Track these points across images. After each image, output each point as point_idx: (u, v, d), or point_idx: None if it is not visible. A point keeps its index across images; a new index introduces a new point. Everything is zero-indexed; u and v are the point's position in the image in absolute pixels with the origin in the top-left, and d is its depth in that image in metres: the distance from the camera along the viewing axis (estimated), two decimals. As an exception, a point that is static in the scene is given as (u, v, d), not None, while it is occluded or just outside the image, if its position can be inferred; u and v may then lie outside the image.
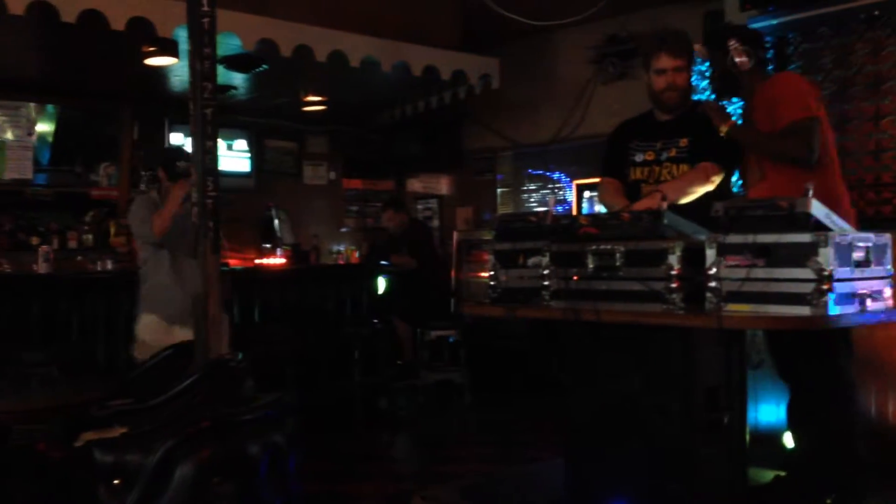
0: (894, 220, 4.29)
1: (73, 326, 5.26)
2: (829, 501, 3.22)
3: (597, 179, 7.14)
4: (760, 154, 3.42)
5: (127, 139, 7.46)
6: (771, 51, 3.74)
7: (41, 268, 5.74)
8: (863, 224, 3.44)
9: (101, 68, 6.42)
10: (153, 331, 4.47)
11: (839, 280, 2.54)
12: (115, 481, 2.39)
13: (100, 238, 7.18)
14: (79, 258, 6.67)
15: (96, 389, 3.45)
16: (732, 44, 3.45)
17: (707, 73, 3.77)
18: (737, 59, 3.43)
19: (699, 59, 4.06)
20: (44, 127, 7.17)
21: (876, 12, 4.38)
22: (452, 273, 7.21)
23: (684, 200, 3.29)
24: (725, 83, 3.56)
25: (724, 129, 3.35)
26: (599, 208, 7.23)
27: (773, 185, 3.31)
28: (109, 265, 6.31)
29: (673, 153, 3.49)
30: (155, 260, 4.56)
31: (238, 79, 6.64)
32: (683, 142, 3.47)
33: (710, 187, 3.35)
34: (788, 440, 3.60)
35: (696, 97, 3.98)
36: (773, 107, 3.34)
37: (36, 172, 7.05)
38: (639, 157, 3.57)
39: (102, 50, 5.78)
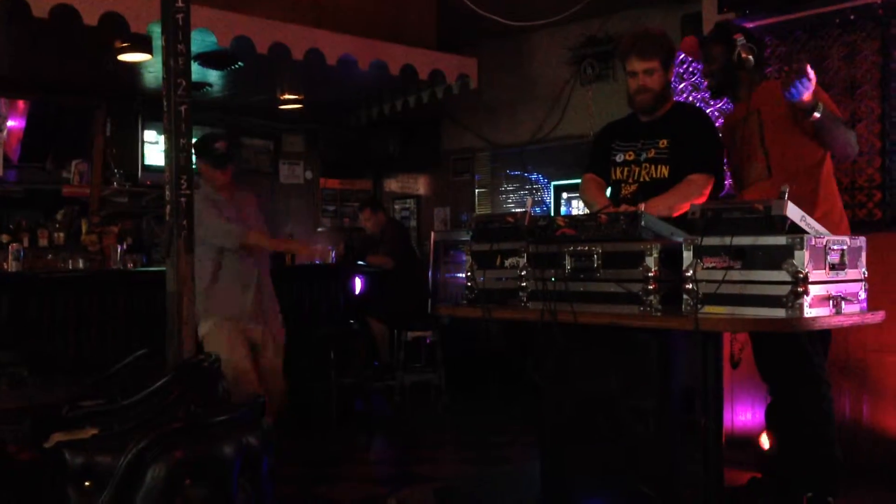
0: (869, 223, 4.32)
1: (44, 326, 5.18)
2: (809, 496, 3.24)
3: (575, 181, 7.20)
4: (824, 141, 3.35)
5: (99, 136, 7.37)
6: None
7: (11, 266, 5.66)
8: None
9: (74, 64, 6.34)
10: (227, 330, 4.37)
11: (814, 283, 2.55)
12: (86, 483, 2.36)
13: (71, 236, 7.09)
14: (49, 256, 6.58)
15: (67, 390, 3.40)
16: (740, 40, 3.43)
17: (704, 69, 3.70)
18: (744, 56, 3.42)
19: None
20: (14, 123, 7.07)
21: (851, 17, 4.41)
22: (429, 273, 7.24)
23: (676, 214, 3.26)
24: (725, 79, 3.54)
25: (819, 109, 3.21)
26: (579, 205, 7.27)
27: (781, 182, 3.28)
28: (81, 264, 6.24)
29: (652, 154, 3.49)
30: (211, 260, 4.40)
31: (213, 76, 6.59)
32: (663, 143, 3.48)
33: (702, 200, 3.32)
34: (765, 441, 3.62)
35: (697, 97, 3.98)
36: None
37: (6, 169, 6.94)
38: (619, 158, 3.58)
39: (75, 45, 5.71)
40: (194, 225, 4.21)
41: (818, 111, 3.20)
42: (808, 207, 3.18)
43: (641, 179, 3.48)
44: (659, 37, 3.55)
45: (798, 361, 3.27)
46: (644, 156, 3.50)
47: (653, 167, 3.46)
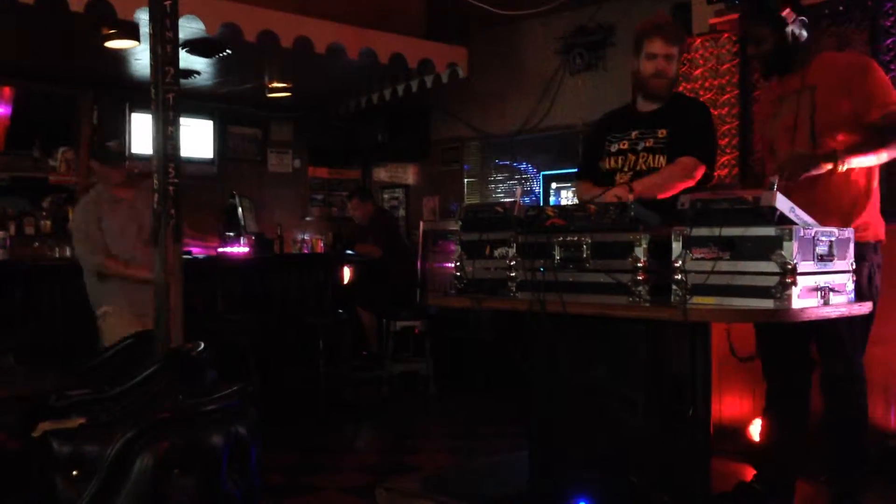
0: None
1: (30, 314, 5.14)
2: (836, 492, 3.22)
3: (564, 171, 7.21)
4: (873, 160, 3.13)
5: (86, 124, 7.32)
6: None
7: (-3, 254, 5.62)
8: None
9: (60, 51, 6.28)
10: (127, 324, 4.28)
11: (802, 273, 2.56)
12: (74, 472, 2.35)
13: (58, 224, 7.04)
14: (36, 244, 6.55)
15: (54, 379, 3.37)
16: (790, 14, 3.19)
17: (749, 50, 3.43)
18: (796, 31, 3.19)
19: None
20: (0, 110, 7.00)
21: (841, 7, 4.41)
22: (418, 263, 7.24)
23: (662, 196, 3.24)
24: (779, 59, 3.28)
25: (840, 166, 3.01)
26: (569, 195, 7.27)
27: (829, 180, 3.13)
28: (68, 252, 6.20)
29: (650, 143, 3.45)
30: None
31: (201, 63, 6.54)
32: (662, 132, 3.44)
33: (691, 183, 3.30)
34: (754, 431, 3.61)
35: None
36: (866, 94, 3.11)
37: (-8, 156, 6.90)
38: (614, 147, 3.53)
39: (61, 32, 5.66)
40: (79, 241, 4.35)
41: (840, 164, 3.01)
42: (847, 217, 3.08)
43: (637, 168, 3.44)
44: (679, 27, 3.52)
45: (838, 356, 3.17)
46: (641, 145, 3.46)
47: (650, 156, 3.43)
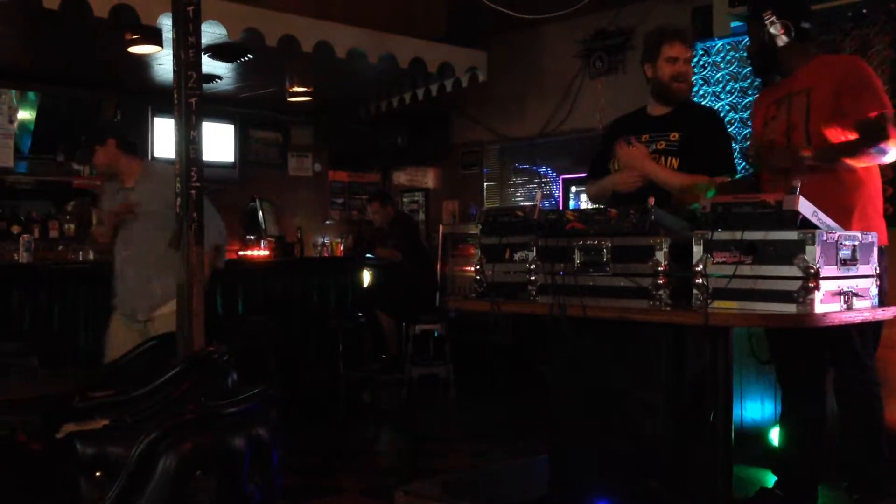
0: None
1: (54, 316, 5.20)
2: (856, 497, 3.20)
3: (584, 175, 7.19)
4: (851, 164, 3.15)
5: (109, 128, 7.38)
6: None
7: (22, 257, 5.69)
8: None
9: (84, 56, 6.36)
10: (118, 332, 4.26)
11: (826, 278, 2.54)
12: (97, 473, 2.37)
13: (81, 228, 7.12)
14: (60, 248, 6.61)
15: (77, 380, 3.41)
16: (769, 17, 3.20)
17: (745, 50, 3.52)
18: (773, 33, 3.21)
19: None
20: (25, 114, 7.09)
21: (864, 10, 4.38)
22: (438, 267, 7.25)
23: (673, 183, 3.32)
24: (764, 59, 3.31)
25: (807, 161, 3.05)
26: (586, 204, 7.24)
27: (825, 182, 3.11)
28: (91, 255, 6.26)
29: (662, 146, 3.45)
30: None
31: (223, 68, 6.59)
32: (674, 136, 3.44)
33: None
34: (775, 437, 3.59)
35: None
36: (853, 94, 3.11)
37: (17, 160, 6.97)
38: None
39: (85, 37, 5.72)
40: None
41: (812, 163, 3.05)
42: (846, 219, 3.06)
43: None
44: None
45: (852, 359, 3.17)
46: (653, 147, 3.46)
47: (662, 158, 3.42)
